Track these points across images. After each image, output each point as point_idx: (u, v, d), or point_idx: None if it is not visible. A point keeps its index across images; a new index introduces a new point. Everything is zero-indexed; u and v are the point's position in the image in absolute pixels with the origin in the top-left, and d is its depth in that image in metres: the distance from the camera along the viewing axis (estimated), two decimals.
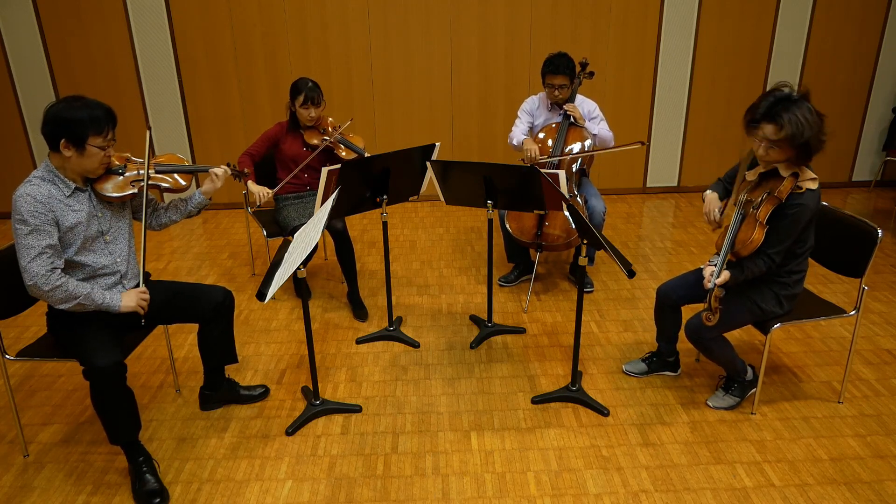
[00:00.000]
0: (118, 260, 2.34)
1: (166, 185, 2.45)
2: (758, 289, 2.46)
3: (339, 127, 3.57)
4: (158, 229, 2.57)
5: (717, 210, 2.53)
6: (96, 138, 2.15)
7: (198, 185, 2.71)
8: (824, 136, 2.25)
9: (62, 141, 2.11)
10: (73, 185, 2.20)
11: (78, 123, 2.10)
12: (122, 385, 2.17)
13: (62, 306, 2.17)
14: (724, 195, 2.64)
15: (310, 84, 3.42)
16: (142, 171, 2.35)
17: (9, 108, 5.02)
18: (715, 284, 2.26)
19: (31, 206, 2.07)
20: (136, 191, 2.33)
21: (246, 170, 2.73)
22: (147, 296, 2.34)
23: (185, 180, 2.49)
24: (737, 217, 2.36)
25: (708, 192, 2.64)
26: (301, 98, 3.40)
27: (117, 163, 2.32)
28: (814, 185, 2.29)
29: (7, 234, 4.97)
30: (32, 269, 2.08)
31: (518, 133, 3.76)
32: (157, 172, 2.43)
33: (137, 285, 2.45)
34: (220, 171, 2.55)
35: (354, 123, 5.22)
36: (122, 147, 2.30)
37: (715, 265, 2.33)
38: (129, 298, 2.29)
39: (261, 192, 3.35)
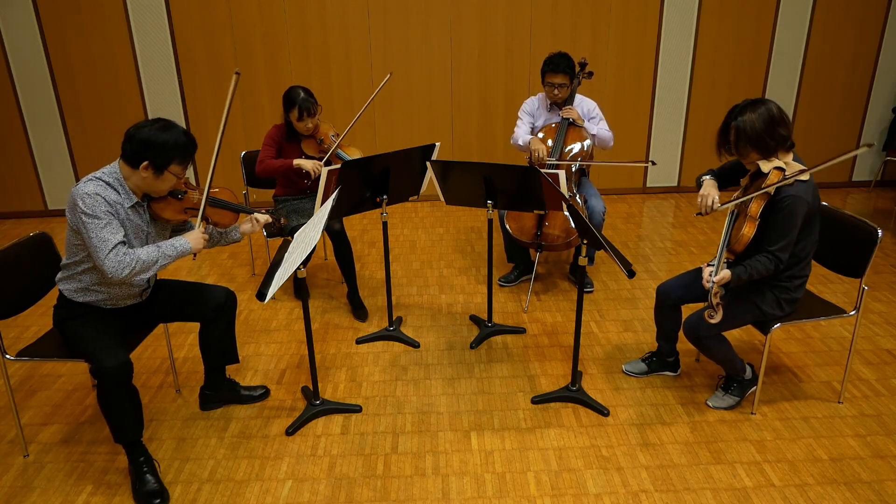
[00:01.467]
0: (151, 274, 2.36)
1: (214, 219, 2.46)
2: (758, 290, 2.46)
3: (337, 138, 3.49)
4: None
5: (715, 197, 2.52)
6: (177, 167, 2.20)
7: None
8: (784, 129, 2.30)
9: (145, 163, 2.15)
10: (135, 199, 2.24)
11: (167, 150, 2.15)
12: (128, 384, 2.19)
13: (146, 275, 2.22)
14: (719, 184, 2.65)
15: (302, 95, 3.32)
16: (197, 200, 2.38)
17: (9, 108, 5.02)
18: (714, 283, 2.26)
19: (100, 204, 2.11)
20: (186, 218, 2.38)
21: (282, 219, 2.71)
22: (207, 236, 2.37)
23: (229, 219, 2.51)
24: (730, 218, 2.37)
25: (706, 177, 2.63)
26: (296, 112, 3.32)
27: (178, 187, 2.35)
28: (804, 178, 2.29)
29: (7, 233, 4.98)
30: (111, 262, 2.12)
31: (522, 133, 3.75)
32: (211, 204, 2.45)
33: (147, 291, 2.47)
34: (262, 217, 2.55)
35: (353, 131, 5.22)
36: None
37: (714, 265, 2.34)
38: (196, 239, 2.32)
39: (315, 166, 3.34)
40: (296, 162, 3.37)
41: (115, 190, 2.19)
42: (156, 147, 2.14)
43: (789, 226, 2.29)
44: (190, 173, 5.22)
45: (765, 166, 2.30)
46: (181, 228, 2.53)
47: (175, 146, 2.17)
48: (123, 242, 2.16)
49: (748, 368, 2.70)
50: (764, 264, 2.32)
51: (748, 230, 2.28)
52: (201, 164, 5.30)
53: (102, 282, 2.28)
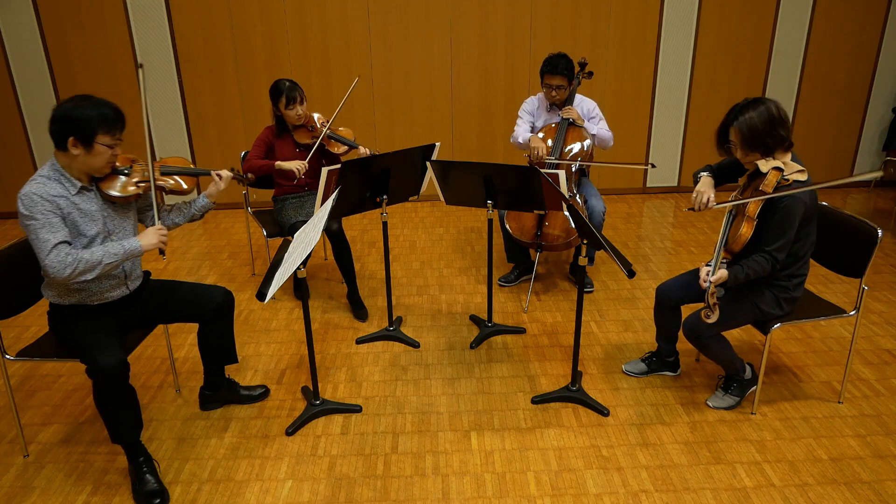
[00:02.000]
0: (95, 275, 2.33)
1: (170, 186, 2.45)
2: (758, 290, 2.46)
3: (327, 123, 3.55)
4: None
5: (711, 195, 2.52)
6: (105, 137, 2.16)
7: (198, 191, 2.70)
8: (783, 129, 2.30)
9: (70, 139, 2.11)
10: (79, 184, 2.20)
11: (87, 121, 2.11)
12: (125, 384, 2.17)
13: (90, 276, 2.16)
14: (716, 181, 2.65)
15: (287, 83, 3.40)
16: (146, 173, 2.36)
17: (9, 108, 5.02)
18: (710, 283, 2.26)
19: (37, 204, 2.08)
20: (140, 192, 2.34)
21: (249, 174, 2.73)
22: (165, 231, 2.34)
23: (188, 183, 2.50)
24: (728, 218, 2.37)
25: (703, 174, 2.63)
26: (283, 100, 3.39)
27: (122, 164, 2.33)
28: (802, 177, 2.29)
29: (7, 233, 4.98)
30: (51, 262, 2.09)
31: (522, 132, 3.75)
32: (161, 174, 2.44)
33: (140, 286, 2.45)
34: (224, 173, 2.56)
35: (351, 120, 5.22)
36: (123, 147, 2.30)
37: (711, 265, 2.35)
38: (149, 237, 2.29)
39: (297, 167, 3.36)
40: (277, 164, 3.40)
41: (56, 182, 2.16)
42: (76, 120, 2.10)
43: (787, 226, 2.29)
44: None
45: (763, 166, 2.30)
46: (147, 208, 2.48)
47: (97, 116, 2.12)
48: (66, 242, 2.12)
49: (748, 368, 2.70)
50: (761, 264, 2.32)
51: (746, 230, 2.28)
52: (201, 162, 5.30)
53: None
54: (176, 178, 2.48)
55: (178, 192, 2.47)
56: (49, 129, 2.13)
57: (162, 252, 2.35)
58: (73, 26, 4.86)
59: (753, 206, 2.29)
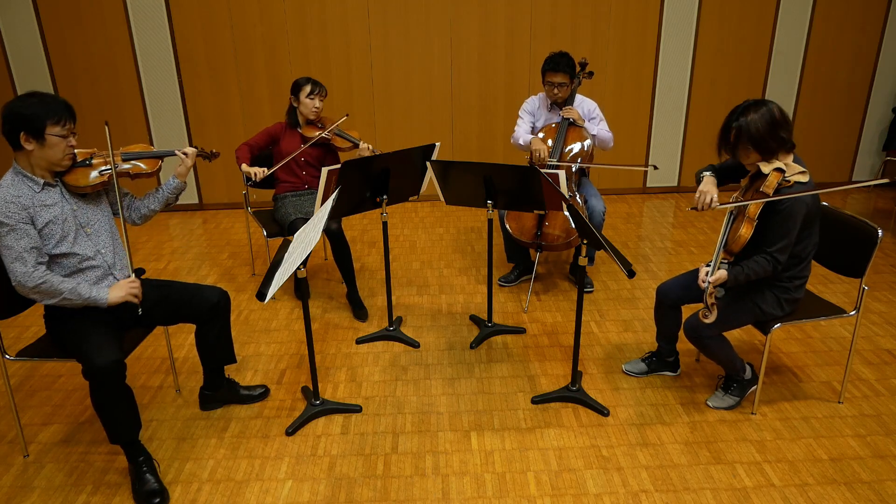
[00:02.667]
0: (102, 251, 2.34)
1: (134, 171, 2.47)
2: (759, 290, 2.46)
3: (336, 123, 3.60)
4: (140, 222, 2.55)
5: (714, 195, 2.50)
6: (54, 127, 2.15)
7: (159, 181, 2.70)
8: (785, 131, 2.29)
9: (22, 134, 2.12)
10: (42, 181, 2.21)
11: (34, 114, 2.12)
12: (121, 384, 2.17)
13: (48, 301, 2.19)
14: (719, 181, 2.64)
15: (311, 79, 3.51)
16: (108, 159, 2.37)
17: None
18: (709, 283, 2.26)
19: (2, 208, 2.09)
20: (104, 179, 2.34)
21: (214, 150, 2.76)
22: (137, 285, 2.32)
23: (149, 165, 2.51)
24: (728, 219, 2.37)
25: (706, 174, 2.62)
26: (308, 87, 3.48)
27: (83, 156, 2.35)
28: (803, 178, 2.29)
29: None
30: (16, 268, 2.11)
31: (522, 132, 3.75)
32: (123, 160, 2.46)
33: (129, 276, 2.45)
34: (189, 150, 2.58)
35: (351, 119, 5.22)
36: (120, 143, 2.32)
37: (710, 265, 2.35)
38: (118, 290, 2.28)
39: (256, 171, 3.40)
40: (243, 167, 3.45)
41: (20, 183, 2.17)
42: (22, 115, 2.10)
43: (788, 227, 2.29)
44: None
45: (765, 167, 2.30)
46: (123, 196, 2.48)
47: (40, 106, 2.12)
48: (33, 250, 2.13)
49: (748, 368, 2.70)
50: (762, 265, 2.32)
51: (745, 231, 2.28)
52: (201, 162, 5.30)
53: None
54: (142, 162, 2.49)
55: (142, 174, 2.49)
56: (1, 131, 2.14)
57: (137, 306, 2.33)
58: (72, 26, 4.86)
59: (754, 207, 2.28)
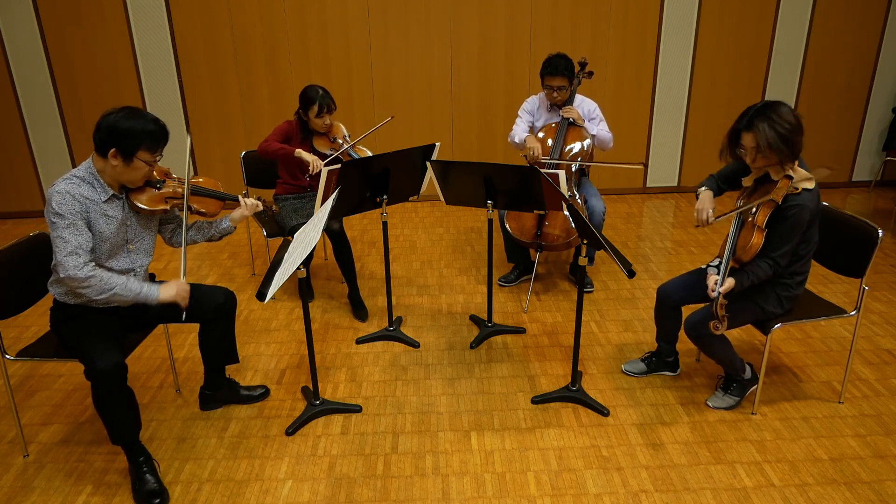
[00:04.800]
0: (136, 268, 2.36)
1: (196, 209, 2.44)
2: (761, 290, 2.46)
3: (348, 138, 3.55)
4: (178, 246, 2.54)
5: (710, 210, 2.53)
6: (146, 154, 2.18)
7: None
8: (801, 137, 2.28)
9: (112, 150, 2.13)
10: (111, 192, 2.22)
11: (132, 136, 2.13)
12: (122, 386, 2.17)
13: (99, 297, 2.18)
14: (717, 193, 2.65)
15: (321, 92, 3.39)
16: (178, 189, 2.36)
17: (9, 108, 5.02)
18: (720, 293, 2.25)
19: (68, 202, 2.10)
20: (167, 207, 2.35)
21: (274, 207, 2.74)
22: (188, 289, 2.34)
23: (215, 207, 2.49)
24: (736, 224, 2.37)
25: (702, 189, 2.64)
26: (315, 108, 3.38)
27: (156, 176, 2.34)
28: (810, 185, 2.29)
29: (7, 233, 4.98)
30: (69, 262, 2.10)
31: (519, 131, 3.76)
32: (193, 193, 2.44)
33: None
34: (251, 202, 2.55)
35: (351, 120, 5.23)
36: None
37: (717, 270, 2.35)
38: (169, 289, 2.30)
39: (315, 161, 3.34)
40: (297, 152, 3.37)
41: (89, 184, 2.17)
42: (121, 133, 2.12)
43: (793, 234, 2.30)
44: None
45: (774, 174, 2.30)
46: (169, 221, 2.51)
47: (142, 132, 2.14)
48: (87, 249, 2.14)
49: (748, 368, 2.70)
50: (764, 270, 2.34)
51: (756, 240, 2.28)
52: (201, 162, 5.30)
53: None
54: (207, 200, 2.47)
55: (206, 214, 2.46)
56: (93, 134, 2.16)
57: (182, 310, 2.35)
58: (72, 26, 4.86)
59: (762, 215, 2.28)
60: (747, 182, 2.48)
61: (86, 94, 5.03)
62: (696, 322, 2.49)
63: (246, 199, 2.54)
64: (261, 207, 2.59)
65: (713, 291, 2.28)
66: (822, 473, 2.32)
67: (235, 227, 2.59)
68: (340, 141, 3.54)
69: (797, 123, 2.26)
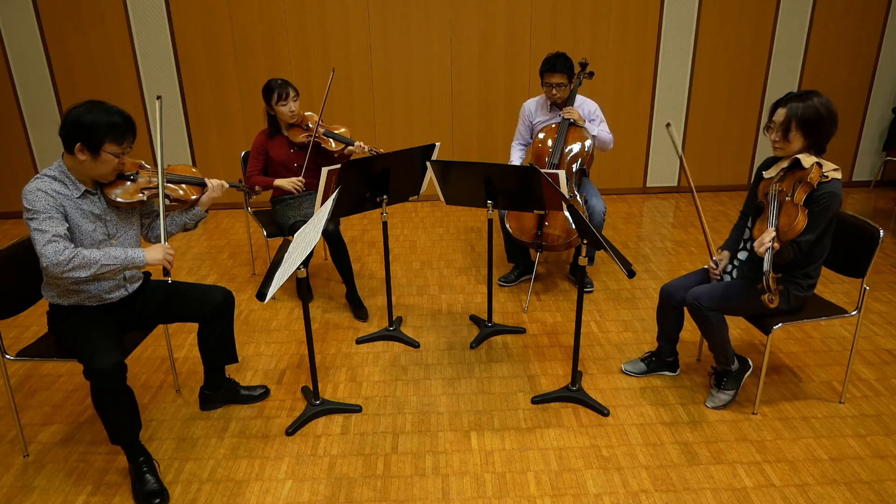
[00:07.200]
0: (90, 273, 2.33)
1: (175, 195, 2.43)
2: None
3: (321, 121, 3.56)
4: (154, 241, 2.53)
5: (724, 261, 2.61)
6: (112, 146, 2.16)
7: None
8: (834, 128, 2.35)
9: (78, 144, 2.12)
10: (83, 188, 2.21)
11: (96, 129, 2.11)
12: (122, 385, 2.17)
13: (84, 275, 2.14)
14: (733, 247, 2.64)
15: (278, 81, 3.43)
16: (153, 180, 2.35)
17: (9, 108, 5.02)
18: (771, 250, 2.20)
19: (41, 199, 2.10)
20: (144, 198, 2.33)
21: (257, 187, 2.74)
22: (172, 251, 2.34)
23: (194, 193, 2.48)
24: (774, 207, 2.33)
25: (725, 253, 2.66)
26: (275, 96, 3.41)
27: (130, 169, 2.33)
28: (838, 175, 2.33)
29: (7, 233, 4.98)
30: (48, 251, 2.08)
31: (515, 158, 3.83)
32: (168, 182, 2.42)
33: (140, 287, 2.46)
34: (216, 182, 2.54)
35: (351, 120, 5.23)
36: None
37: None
38: (155, 252, 2.29)
39: (294, 182, 3.41)
40: (276, 182, 3.44)
41: (60, 182, 2.17)
42: (86, 126, 2.10)
43: (822, 220, 2.31)
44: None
45: (805, 160, 2.31)
46: (148, 215, 2.50)
47: (106, 124, 2.12)
48: (65, 237, 2.13)
49: (735, 360, 2.68)
50: (788, 252, 2.33)
51: (801, 220, 2.26)
52: (201, 162, 5.30)
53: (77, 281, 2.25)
54: (183, 186, 2.46)
55: (183, 201, 2.45)
56: (59, 131, 2.14)
57: (167, 272, 2.34)
58: (73, 26, 4.86)
59: (800, 193, 2.30)
60: (771, 172, 2.45)
61: (86, 95, 4.98)
62: (699, 295, 2.48)
63: (212, 181, 2.53)
64: (227, 185, 2.58)
65: (764, 247, 2.22)
66: (823, 473, 2.32)
67: (207, 212, 2.57)
68: (312, 126, 3.55)
69: (832, 113, 2.32)
